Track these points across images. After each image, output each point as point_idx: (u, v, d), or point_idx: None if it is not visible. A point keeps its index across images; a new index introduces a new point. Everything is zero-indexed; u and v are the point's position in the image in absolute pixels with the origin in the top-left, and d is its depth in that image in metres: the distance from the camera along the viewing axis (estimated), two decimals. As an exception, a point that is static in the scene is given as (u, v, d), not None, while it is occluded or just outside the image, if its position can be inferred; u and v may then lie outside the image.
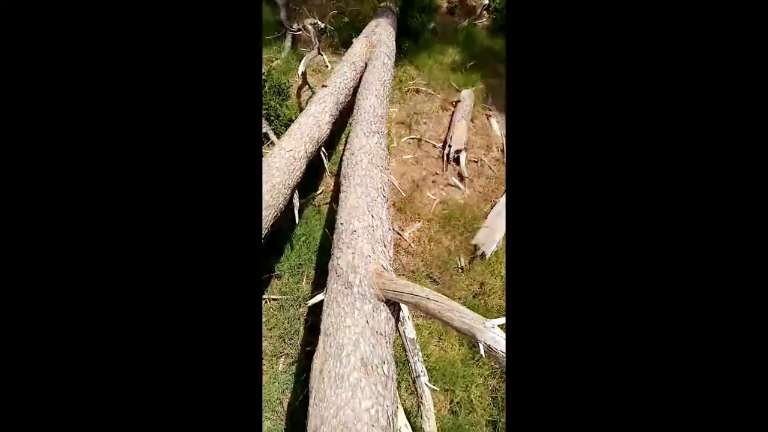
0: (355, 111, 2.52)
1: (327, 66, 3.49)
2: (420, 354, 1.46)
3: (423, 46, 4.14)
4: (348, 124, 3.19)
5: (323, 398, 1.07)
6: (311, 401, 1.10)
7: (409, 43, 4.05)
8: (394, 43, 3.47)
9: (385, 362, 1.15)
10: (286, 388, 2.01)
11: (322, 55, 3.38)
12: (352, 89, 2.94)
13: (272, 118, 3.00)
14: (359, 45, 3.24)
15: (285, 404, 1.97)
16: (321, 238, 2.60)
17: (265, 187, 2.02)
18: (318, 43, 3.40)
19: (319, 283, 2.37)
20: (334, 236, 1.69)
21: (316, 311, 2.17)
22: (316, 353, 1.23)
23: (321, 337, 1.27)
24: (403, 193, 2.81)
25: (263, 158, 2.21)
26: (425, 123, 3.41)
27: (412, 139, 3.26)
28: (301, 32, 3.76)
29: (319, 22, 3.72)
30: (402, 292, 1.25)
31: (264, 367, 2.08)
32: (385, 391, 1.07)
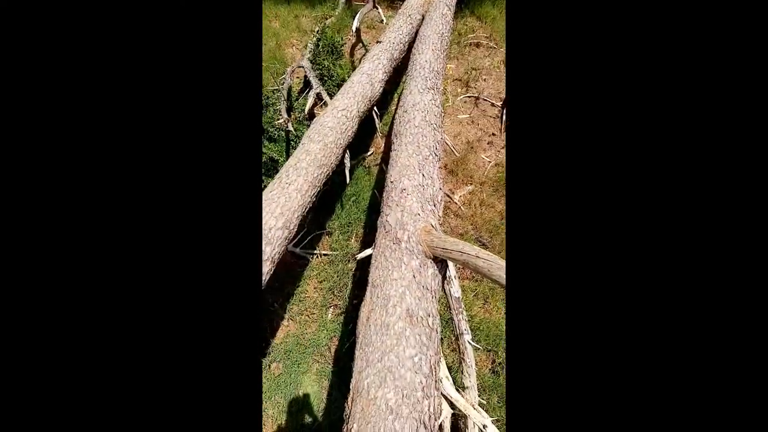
0: (409, 67, 2.42)
1: (382, 21, 3.36)
2: (464, 313, 1.47)
3: (488, -7, 3.78)
4: (402, 82, 3.09)
5: (369, 343, 1.12)
6: (357, 345, 1.16)
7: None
8: (455, -9, 3.21)
9: (430, 315, 1.17)
10: (334, 336, 2.15)
11: (377, 9, 3.24)
12: (407, 44, 2.81)
13: (325, 78, 2.99)
14: (416, -4, 3.05)
15: (332, 350, 2.12)
16: (370, 199, 2.64)
17: (317, 146, 2.06)
18: (373, -5, 3.26)
19: (368, 241, 2.44)
20: (384, 194, 1.70)
21: (363, 266, 2.26)
22: (363, 302, 1.28)
23: (368, 288, 1.31)
24: (456, 154, 2.72)
25: (316, 118, 2.24)
26: (484, 80, 3.19)
27: (469, 97, 3.08)
28: (356, -14, 3.62)
29: (376, -26, 3.55)
30: (451, 250, 1.23)
31: (314, 316, 2.23)
32: (428, 342, 1.10)
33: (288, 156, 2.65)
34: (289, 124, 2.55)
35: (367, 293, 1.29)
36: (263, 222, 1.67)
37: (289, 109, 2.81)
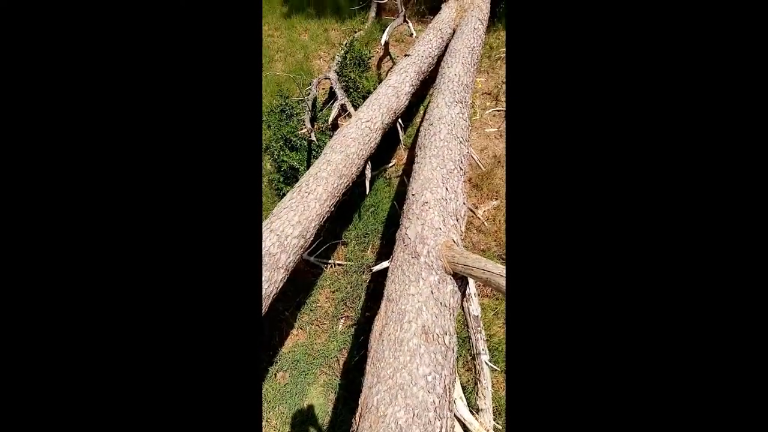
0: (438, 79, 2.40)
1: (411, 35, 3.38)
2: (483, 332, 1.39)
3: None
4: (428, 95, 3.08)
5: (381, 358, 1.06)
6: (369, 360, 1.11)
7: (506, 5, 3.67)
8: (488, 5, 3.19)
9: (447, 333, 1.10)
10: (344, 348, 2.10)
11: (407, 23, 3.28)
12: (436, 57, 2.80)
13: (350, 90, 3.02)
14: (448, 10, 3.06)
15: (341, 362, 2.05)
16: (389, 210, 2.60)
17: (339, 157, 2.06)
18: (404, 10, 3.29)
19: (384, 253, 2.39)
20: (405, 207, 1.66)
21: (378, 279, 2.21)
22: (377, 316, 1.23)
23: (383, 302, 1.26)
24: (482, 168, 2.66)
25: (340, 128, 2.24)
26: (512, 97, 3.15)
27: (498, 111, 3.04)
28: (386, 1, 3.68)
29: (407, -11, 3.61)
30: (472, 267, 1.17)
31: (324, 326, 2.19)
32: (444, 361, 1.03)
33: (308, 165, 2.66)
34: (312, 134, 2.57)
35: (382, 307, 1.24)
36: (280, 230, 1.65)
37: (313, 120, 2.85)
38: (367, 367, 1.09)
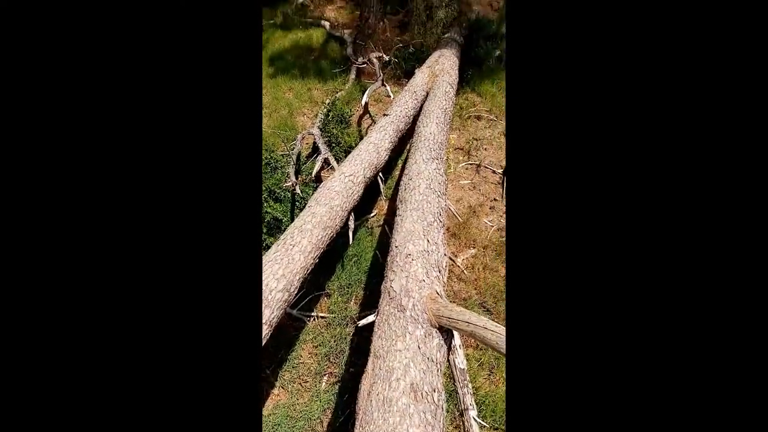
0: (414, 137, 2.58)
1: (389, 96, 3.66)
2: (470, 386, 1.39)
3: (487, 74, 4.14)
4: (406, 151, 3.27)
5: (370, 421, 1.04)
6: (357, 423, 1.09)
7: (473, 71, 4.07)
8: (457, 72, 3.55)
9: (436, 390, 1.10)
10: (327, 408, 2.00)
11: (385, 86, 3.55)
12: (412, 117, 3.03)
13: (333, 144, 3.18)
14: (421, 75, 3.37)
15: (325, 423, 1.95)
16: (372, 260, 2.64)
17: (323, 209, 2.12)
18: (382, 75, 3.59)
19: (367, 303, 2.38)
20: (388, 259, 1.71)
21: (362, 332, 2.18)
22: (364, 374, 1.22)
23: (370, 359, 1.26)
24: (459, 218, 2.78)
25: (324, 182, 2.33)
26: (485, 149, 3.38)
27: (471, 164, 3.25)
28: (365, 65, 4.01)
29: (384, 56, 3.95)
30: (457, 320, 1.21)
31: (307, 385, 2.10)
32: (434, 421, 1.02)
33: (292, 216, 2.70)
34: (297, 187, 2.64)
35: (369, 364, 1.24)
36: (264, 283, 1.65)
37: (297, 173, 2.94)
38: (356, 430, 1.06)
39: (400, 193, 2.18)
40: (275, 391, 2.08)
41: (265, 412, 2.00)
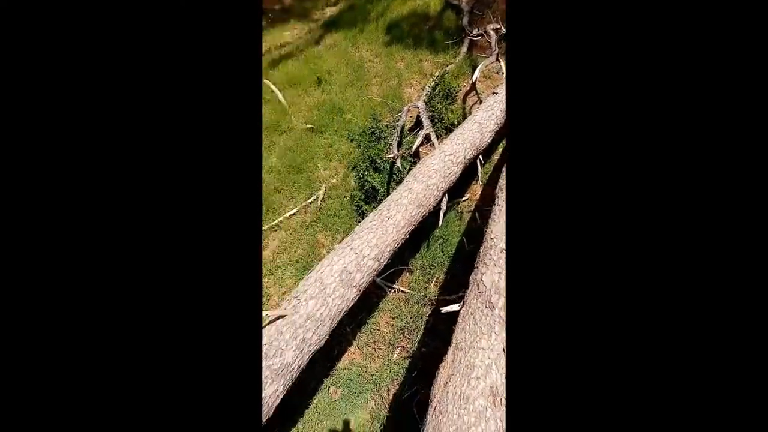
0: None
1: (501, 72, 3.37)
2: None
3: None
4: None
5: (444, 412, 1.05)
6: (431, 410, 1.10)
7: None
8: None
9: (518, 402, 1.05)
10: (395, 379, 2.09)
11: (499, 62, 3.28)
12: (526, 99, 2.76)
13: (435, 120, 3.09)
14: (544, 52, 3.01)
15: (391, 393, 2.05)
16: (457, 245, 2.57)
17: (420, 186, 2.11)
18: (498, 49, 3.30)
19: (447, 288, 2.36)
20: (481, 250, 1.64)
21: (438, 316, 2.18)
22: (443, 363, 1.22)
23: (451, 349, 1.25)
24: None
25: (423, 158, 2.30)
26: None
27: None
28: (480, 38, 3.73)
29: (503, 27, 3.62)
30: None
31: (380, 352, 2.21)
32: (513, 434, 0.98)
33: (388, 188, 2.76)
34: (398, 160, 2.67)
35: (449, 354, 1.23)
36: (359, 249, 1.73)
37: (399, 145, 2.95)
38: (428, 417, 1.08)
39: (501, 180, 2.04)
40: (351, 349, 2.24)
41: (340, 365, 2.18)
